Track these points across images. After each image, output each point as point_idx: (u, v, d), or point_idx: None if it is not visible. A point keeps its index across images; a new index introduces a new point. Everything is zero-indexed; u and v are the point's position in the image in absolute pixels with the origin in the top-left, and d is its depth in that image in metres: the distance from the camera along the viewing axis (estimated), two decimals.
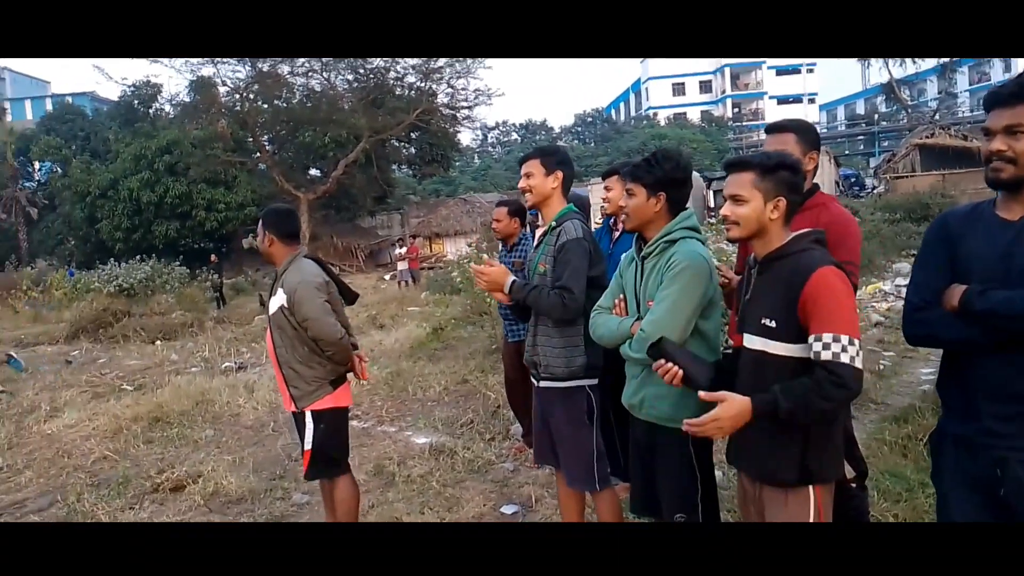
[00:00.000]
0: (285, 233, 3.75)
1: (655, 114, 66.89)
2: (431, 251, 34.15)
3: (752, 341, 2.23)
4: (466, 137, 34.24)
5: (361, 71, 23.13)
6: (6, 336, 15.25)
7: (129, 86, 31.88)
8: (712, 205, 31.62)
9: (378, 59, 22.85)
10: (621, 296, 2.76)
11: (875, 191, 31.51)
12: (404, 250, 20.08)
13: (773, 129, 2.93)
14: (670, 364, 2.27)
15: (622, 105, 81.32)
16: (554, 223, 3.18)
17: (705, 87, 70.94)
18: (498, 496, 4.54)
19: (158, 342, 12.92)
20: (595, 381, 3.14)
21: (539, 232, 3.40)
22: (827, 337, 2.04)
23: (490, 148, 69.01)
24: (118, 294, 20.02)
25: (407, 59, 22.74)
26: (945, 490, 2.19)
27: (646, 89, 72.53)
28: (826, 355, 2.03)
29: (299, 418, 3.70)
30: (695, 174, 32.53)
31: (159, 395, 7.78)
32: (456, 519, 4.21)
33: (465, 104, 24.66)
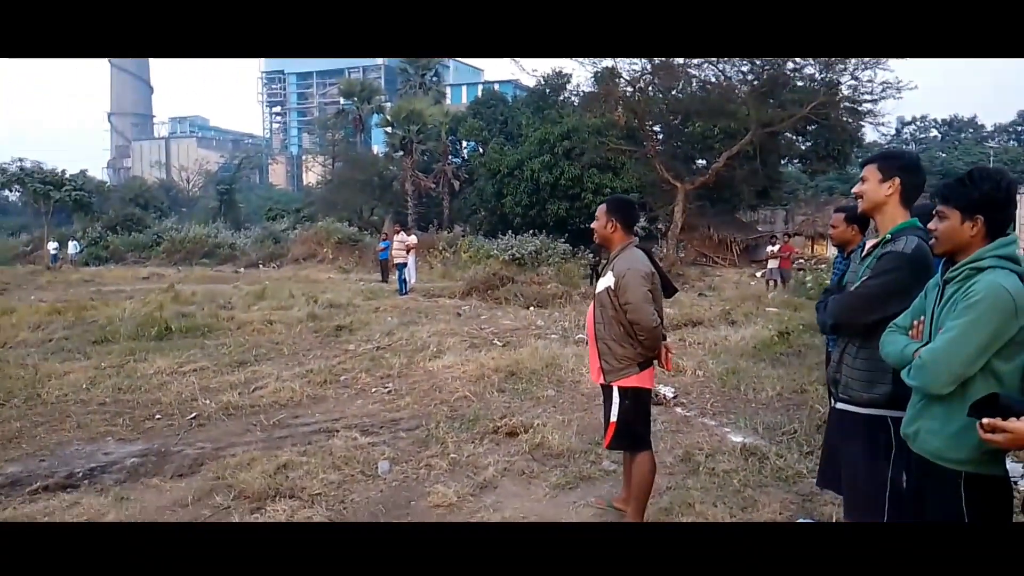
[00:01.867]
0: (627, 222, 4.10)
1: None
2: (812, 251, 32.31)
3: None
4: (872, 133, 31.36)
5: (757, 62, 22.64)
6: (419, 287, 18.25)
7: (543, 76, 35.29)
8: None
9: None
10: (920, 318, 2.58)
11: None
12: (777, 248, 19.39)
13: None
14: (1002, 424, 2.01)
15: None
16: (889, 236, 3.00)
17: None
18: (798, 507, 4.43)
19: (531, 308, 14.40)
20: (900, 413, 2.94)
21: (869, 244, 3.20)
22: None
23: (903, 144, 62.33)
24: (511, 262, 22.65)
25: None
26: None
27: None
28: None
29: (607, 391, 4.06)
30: None
31: (518, 353, 8.79)
32: (747, 519, 4.23)
33: (869, 97, 22.71)
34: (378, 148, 50.03)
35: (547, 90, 38.32)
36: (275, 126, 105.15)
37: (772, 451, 5.33)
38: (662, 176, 22.94)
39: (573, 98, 35.56)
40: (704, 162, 29.15)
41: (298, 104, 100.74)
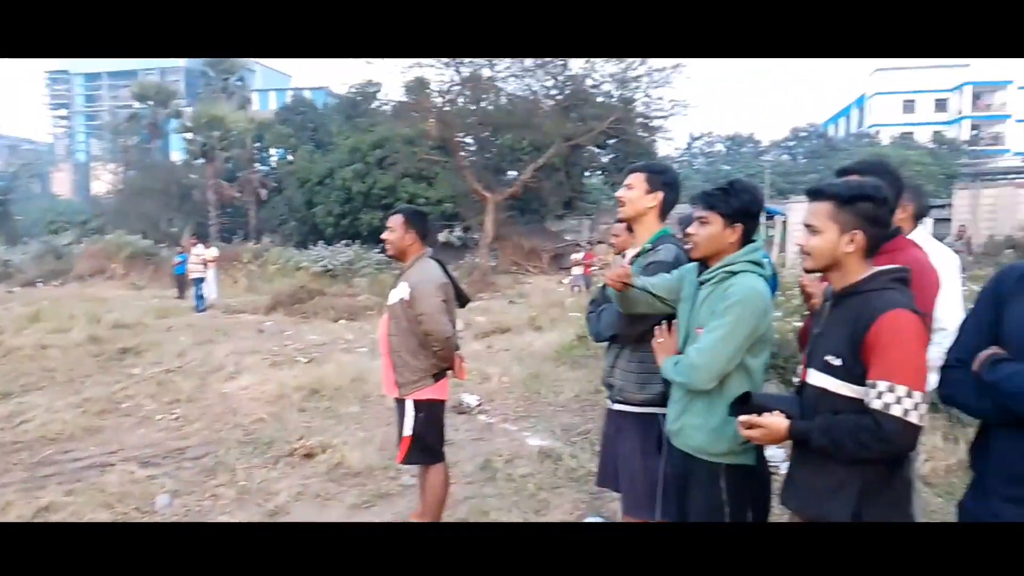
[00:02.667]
0: (423, 233, 4.06)
1: (877, 132, 62.15)
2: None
3: (815, 377, 2.15)
4: (667, 147, 33.70)
5: (560, 77, 23.65)
6: (219, 303, 17.25)
7: (354, 84, 34.78)
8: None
9: (576, 67, 23.34)
10: (675, 321, 2.75)
11: None
12: (581, 255, 20.29)
13: (842, 172, 2.78)
14: (757, 420, 2.17)
15: (842, 121, 76.32)
16: (648, 245, 3.17)
17: (940, 105, 64.84)
18: (588, 506, 4.60)
19: (341, 321, 14.06)
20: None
21: (630, 254, 3.36)
22: (882, 385, 1.94)
23: (692, 159, 67.47)
24: (322, 274, 22.05)
25: (606, 67, 23.03)
26: None
27: (871, 105, 67.61)
28: (877, 404, 1.94)
29: (401, 405, 3.99)
30: None
31: (323, 369, 8.53)
32: (540, 521, 4.33)
33: (660, 114, 24.46)
34: (177, 155, 46.90)
35: (358, 98, 37.76)
36: (59, 131, 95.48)
37: (567, 452, 5.52)
38: (473, 187, 23.31)
39: (385, 107, 35.26)
40: (514, 173, 29.94)
41: (86, 107, 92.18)
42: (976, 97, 62.64)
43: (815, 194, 2.17)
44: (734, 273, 2.54)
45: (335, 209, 30.99)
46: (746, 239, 2.61)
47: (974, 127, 61.92)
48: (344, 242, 25.30)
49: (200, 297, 16.20)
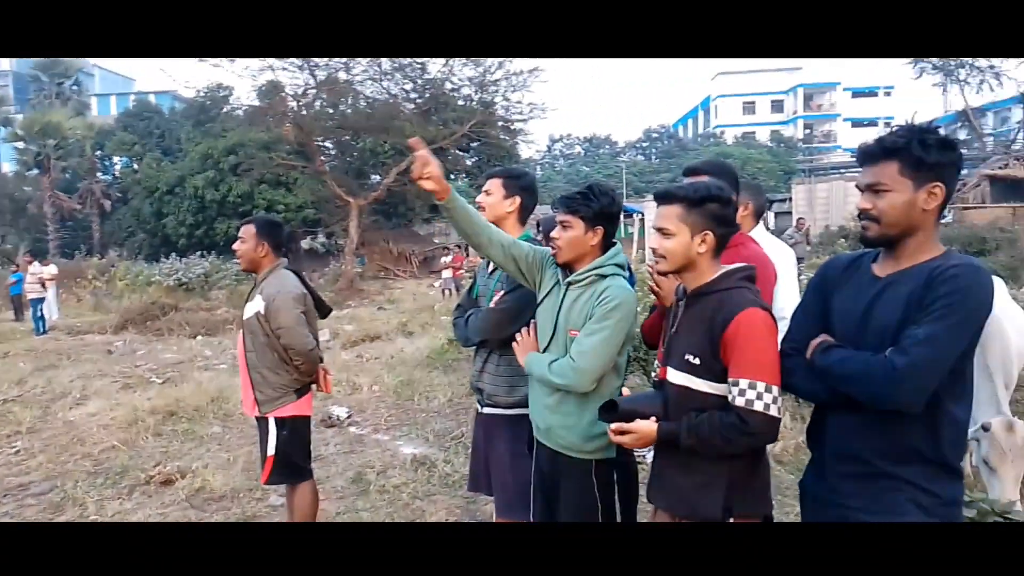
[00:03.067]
0: (277, 243, 3.89)
1: (722, 132, 65.99)
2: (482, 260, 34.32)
3: (675, 376, 2.19)
4: (528, 149, 34.24)
5: (419, 80, 23.54)
6: (62, 324, 15.98)
7: (203, 88, 33.19)
8: (772, 227, 31.16)
9: (435, 70, 23.29)
10: (532, 322, 2.78)
11: (943, 221, 30.36)
12: (450, 258, 20.29)
13: (690, 172, 2.92)
14: (627, 426, 2.19)
15: (690, 122, 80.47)
16: None
17: (776, 107, 69.62)
18: (463, 511, 4.59)
19: (199, 337, 13.36)
20: None
21: None
22: (743, 383, 2.01)
23: (553, 160, 69.08)
24: (176, 288, 20.84)
25: (464, 71, 23.13)
26: None
27: (715, 107, 71.64)
28: (740, 401, 2.00)
29: (262, 423, 3.80)
30: None
31: (180, 390, 8.06)
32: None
33: (519, 117, 24.86)
34: (8, 166, 43.04)
35: (207, 102, 36.03)
36: None
37: (441, 458, 5.49)
38: (335, 192, 22.76)
39: (237, 111, 33.85)
40: (377, 178, 29.54)
41: None
42: (808, 98, 67.71)
43: (665, 197, 2.21)
44: (604, 276, 2.61)
45: (187, 219, 29.50)
46: (607, 241, 2.68)
47: (807, 126, 66.96)
48: (199, 253, 24.05)
49: (39, 319, 14.92)
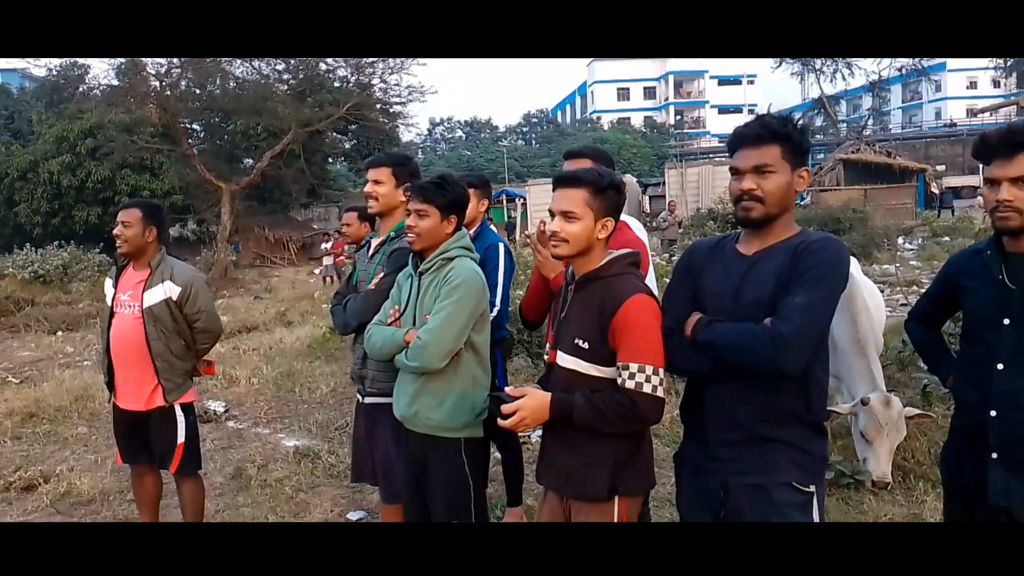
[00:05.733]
0: (162, 228, 3.79)
1: (599, 118, 67.56)
2: None
3: (565, 360, 2.25)
4: (408, 133, 33.87)
5: (292, 61, 22.79)
6: None
7: (55, 66, 30.81)
8: (648, 210, 32.26)
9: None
10: (396, 307, 2.81)
11: (801, 203, 32.40)
12: (330, 244, 19.89)
13: (572, 155, 3.04)
14: (518, 403, 2.18)
15: (568, 107, 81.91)
16: (392, 233, 3.22)
17: (649, 93, 71.97)
18: (348, 502, 4.58)
19: (59, 332, 12.54)
20: None
21: (376, 242, 3.38)
22: (633, 367, 2.09)
23: (434, 144, 68.68)
24: (32, 281, 19.35)
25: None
26: (683, 513, 2.31)
27: (592, 92, 73.23)
28: (630, 384, 2.09)
29: (165, 414, 3.68)
30: (631, 178, 32.79)
31: (40, 390, 7.58)
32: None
33: (398, 100, 24.57)
34: None
35: (61, 81, 33.42)
36: None
37: (325, 449, 5.44)
38: (204, 176, 21.70)
39: (95, 91, 31.63)
40: (251, 161, 28.44)
41: None
42: (678, 85, 70.34)
43: (571, 181, 2.22)
44: (451, 259, 2.71)
45: (42, 207, 27.32)
46: (459, 228, 2.79)
47: (678, 112, 69.59)
48: (56, 243, 22.33)
49: None
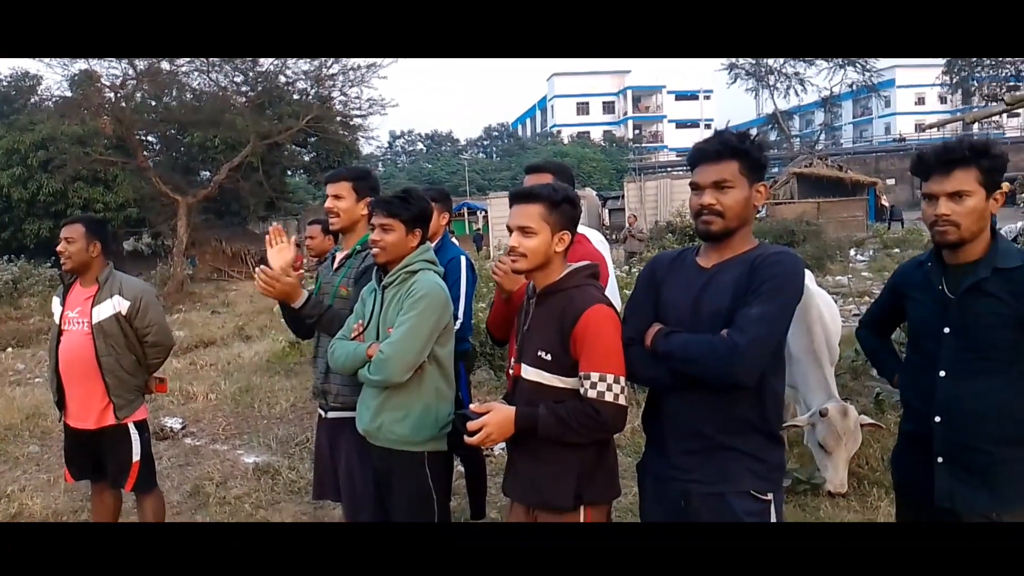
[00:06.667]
0: (106, 243, 3.76)
1: (559, 132, 68.15)
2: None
3: (528, 372, 2.28)
4: (369, 146, 33.74)
5: (250, 73, 22.57)
6: None
7: (4, 76, 30.07)
8: (607, 223, 32.57)
9: (268, 62, 22.39)
10: (360, 321, 2.81)
11: (757, 216, 32.98)
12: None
13: (533, 169, 3.08)
14: (483, 420, 2.20)
15: (528, 121, 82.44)
16: (358, 247, 3.21)
17: (608, 108, 72.81)
18: (310, 519, 4.53)
19: (9, 349, 12.19)
20: None
21: (340, 255, 3.38)
22: (594, 376, 2.13)
23: (395, 157, 68.55)
24: None
25: (299, 64, 22.40)
26: (645, 521, 2.35)
27: (552, 106, 73.82)
28: (592, 393, 2.12)
29: (117, 432, 3.64)
30: (590, 191, 33.03)
31: None
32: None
33: (358, 113, 24.46)
34: None
35: (12, 92, 32.65)
36: None
37: (285, 465, 5.38)
38: (160, 189, 21.30)
39: (47, 102, 30.93)
40: (208, 174, 28.04)
41: None
42: (636, 100, 71.33)
43: (527, 197, 2.27)
44: (414, 272, 2.72)
45: None
46: (422, 243, 2.81)
47: (637, 126, 70.51)
48: (6, 258, 21.77)
49: None
